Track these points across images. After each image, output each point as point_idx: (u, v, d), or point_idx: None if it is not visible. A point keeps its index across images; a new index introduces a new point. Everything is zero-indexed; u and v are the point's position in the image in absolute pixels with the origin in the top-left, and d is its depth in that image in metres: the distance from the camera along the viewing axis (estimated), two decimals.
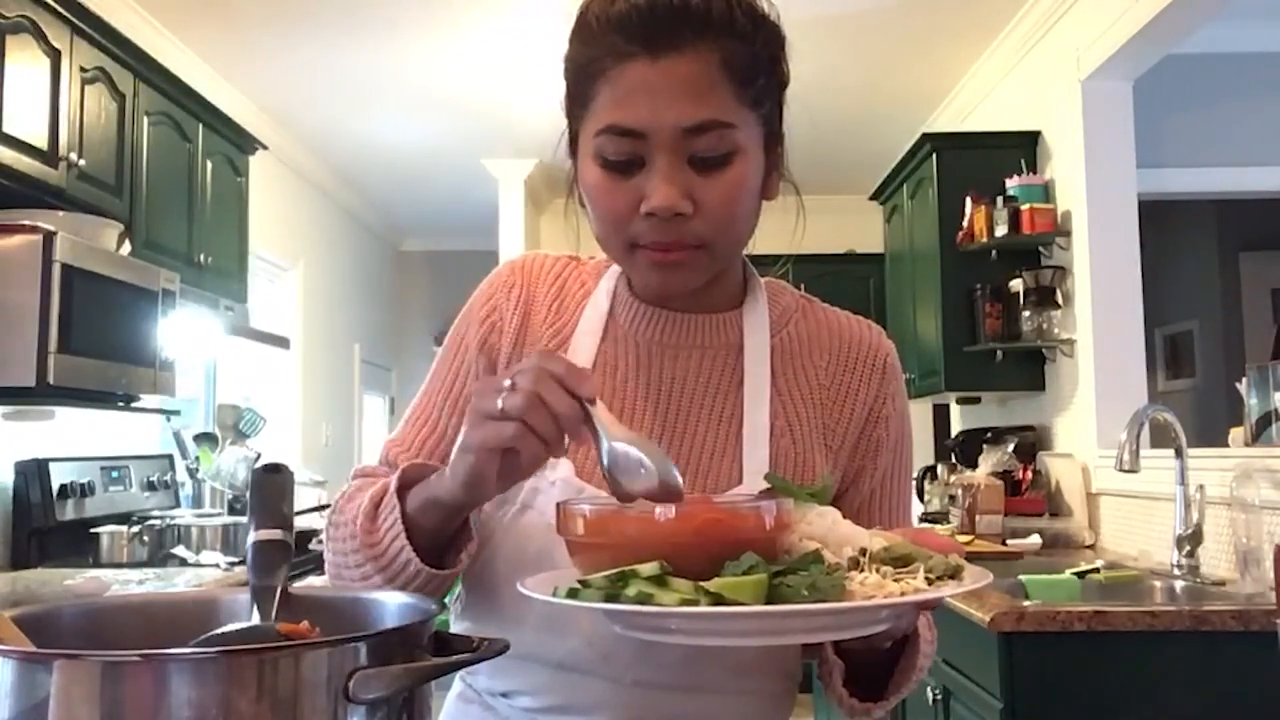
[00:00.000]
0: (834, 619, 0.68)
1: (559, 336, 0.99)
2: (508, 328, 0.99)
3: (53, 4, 2.63)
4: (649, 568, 0.67)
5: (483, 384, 0.79)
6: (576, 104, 0.90)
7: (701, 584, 0.66)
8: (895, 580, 0.69)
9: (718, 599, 0.65)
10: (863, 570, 0.70)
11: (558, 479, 0.92)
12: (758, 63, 0.87)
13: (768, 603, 0.65)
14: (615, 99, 0.85)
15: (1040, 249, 3.68)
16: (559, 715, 0.93)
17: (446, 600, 0.89)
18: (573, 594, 0.69)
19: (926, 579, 0.69)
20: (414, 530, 0.85)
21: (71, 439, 3.24)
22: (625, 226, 0.88)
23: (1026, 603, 2.15)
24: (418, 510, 0.85)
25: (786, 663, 0.98)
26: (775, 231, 1.05)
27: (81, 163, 2.75)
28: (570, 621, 0.90)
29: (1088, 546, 3.23)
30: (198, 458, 3.69)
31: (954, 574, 0.71)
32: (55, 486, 3.01)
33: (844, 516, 0.78)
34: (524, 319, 1.00)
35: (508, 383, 0.75)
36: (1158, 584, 2.55)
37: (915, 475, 4.25)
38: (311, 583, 3.13)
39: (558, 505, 0.76)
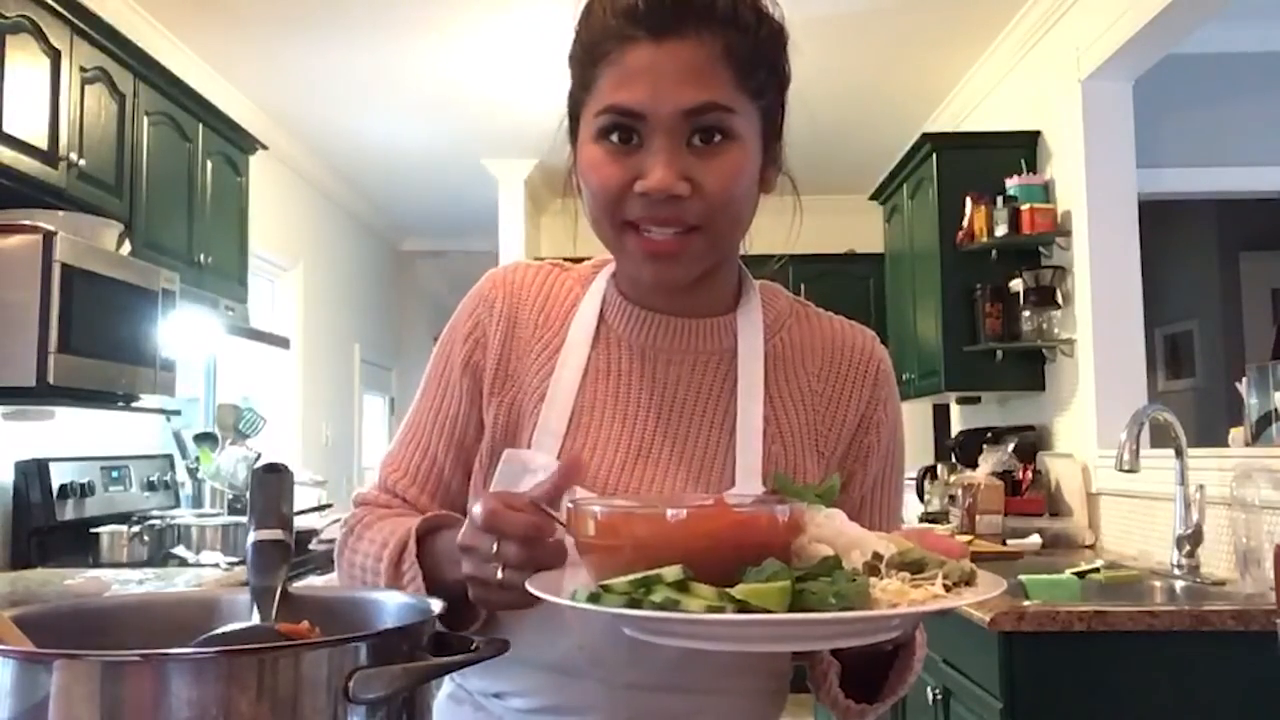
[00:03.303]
0: (861, 626, 0.68)
1: (548, 348, 0.98)
2: (492, 344, 0.99)
3: (53, 4, 2.63)
4: (672, 572, 0.66)
5: (467, 536, 0.79)
6: (580, 88, 0.92)
7: (726, 590, 0.65)
8: (915, 586, 0.69)
9: (743, 606, 0.64)
10: (882, 577, 0.70)
11: None
12: (759, 55, 0.89)
13: (791, 609, 0.65)
14: (617, 80, 0.87)
15: (1040, 249, 3.68)
16: (551, 716, 0.93)
17: None
18: (594, 599, 0.68)
19: (944, 586, 0.69)
20: (434, 583, 0.87)
21: (71, 439, 3.24)
22: (620, 203, 0.88)
23: (1026, 603, 2.15)
24: (434, 568, 0.88)
25: (778, 662, 0.98)
26: (772, 231, 1.05)
27: (81, 163, 2.75)
28: (563, 624, 0.90)
29: (1088, 546, 3.23)
30: (198, 458, 3.69)
31: (969, 580, 0.71)
32: (55, 486, 3.01)
33: None
34: (508, 333, 0.99)
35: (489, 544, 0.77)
36: (1158, 584, 2.55)
37: (915, 475, 4.26)
38: (311, 583, 3.13)
39: (568, 506, 0.76)
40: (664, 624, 0.67)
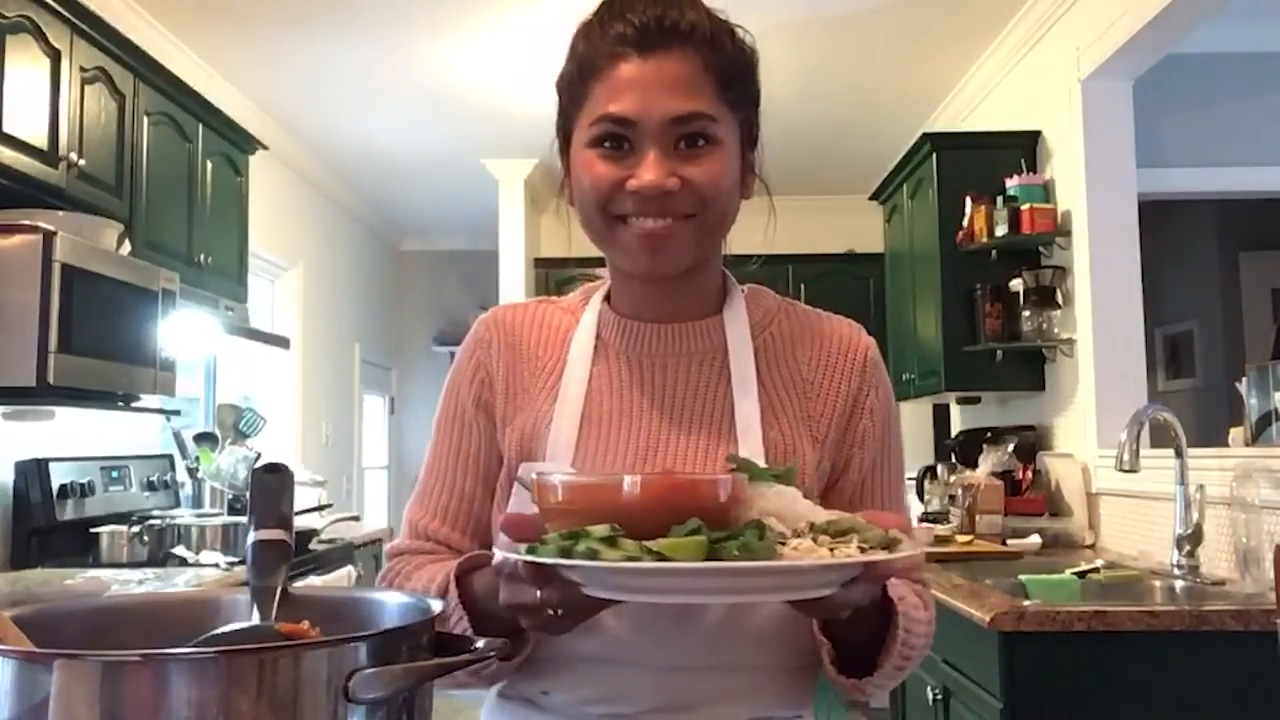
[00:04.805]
0: (763, 579, 0.72)
1: (552, 374, 1.05)
2: (497, 381, 1.06)
3: (53, 4, 2.63)
4: (600, 529, 0.72)
5: (508, 597, 0.82)
6: (571, 105, 0.99)
7: (645, 544, 0.70)
8: (831, 549, 0.73)
9: (660, 557, 0.69)
10: (800, 537, 0.74)
11: None
12: (736, 72, 0.98)
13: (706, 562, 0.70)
14: (608, 92, 0.95)
15: (1040, 249, 3.68)
16: (598, 705, 0.97)
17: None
18: (532, 550, 0.74)
19: (860, 548, 0.73)
20: (481, 619, 0.91)
21: (71, 439, 3.24)
22: (611, 198, 0.95)
23: (1026, 603, 2.15)
24: (477, 606, 0.93)
25: (800, 637, 1.00)
26: (753, 232, 1.12)
27: (81, 163, 2.75)
28: (599, 617, 0.91)
29: (1088, 546, 3.23)
30: (198, 458, 3.69)
31: (888, 545, 0.75)
32: (55, 486, 3.01)
33: (835, 506, 0.83)
34: (510, 367, 1.06)
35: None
36: (1158, 584, 2.55)
37: (915, 475, 4.25)
38: (311, 583, 3.13)
39: (533, 478, 0.80)
40: (591, 573, 0.72)
